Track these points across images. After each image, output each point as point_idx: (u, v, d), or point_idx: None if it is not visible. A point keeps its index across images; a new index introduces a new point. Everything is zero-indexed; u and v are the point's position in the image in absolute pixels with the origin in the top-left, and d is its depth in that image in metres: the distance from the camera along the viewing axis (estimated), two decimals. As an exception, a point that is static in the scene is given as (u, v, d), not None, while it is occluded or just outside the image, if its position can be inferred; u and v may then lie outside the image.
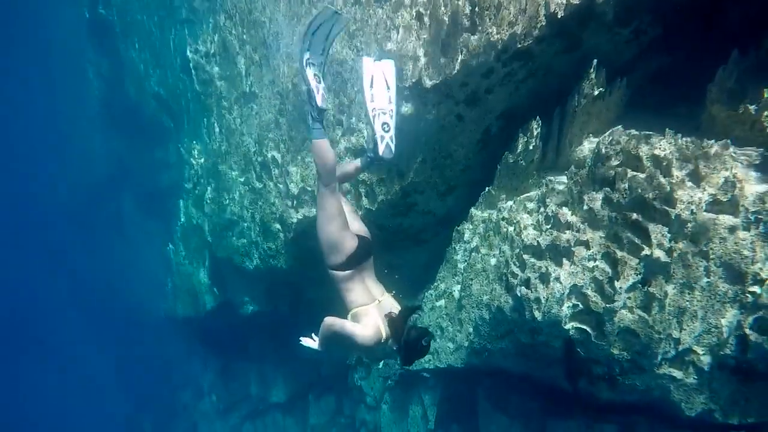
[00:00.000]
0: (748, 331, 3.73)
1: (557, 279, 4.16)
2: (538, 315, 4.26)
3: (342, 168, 3.77)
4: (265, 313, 7.97)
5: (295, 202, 5.85)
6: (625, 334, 4.05)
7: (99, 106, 12.02)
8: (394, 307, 3.50)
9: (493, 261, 4.96)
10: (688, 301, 3.86)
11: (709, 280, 3.77)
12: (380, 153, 3.57)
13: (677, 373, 4.12)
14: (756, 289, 3.61)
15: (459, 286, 5.38)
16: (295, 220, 5.88)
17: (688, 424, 4.72)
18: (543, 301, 4.22)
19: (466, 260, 5.31)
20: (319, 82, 3.59)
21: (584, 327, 4.17)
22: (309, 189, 5.66)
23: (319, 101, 3.47)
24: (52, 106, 16.72)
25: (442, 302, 5.62)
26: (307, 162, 5.57)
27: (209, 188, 7.04)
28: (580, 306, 4.12)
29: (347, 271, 3.47)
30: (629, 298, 3.98)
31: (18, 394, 19.74)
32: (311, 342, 3.72)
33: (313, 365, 8.75)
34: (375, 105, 3.61)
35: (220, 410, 11.03)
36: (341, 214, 3.48)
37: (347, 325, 3.33)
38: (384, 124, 3.59)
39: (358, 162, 3.81)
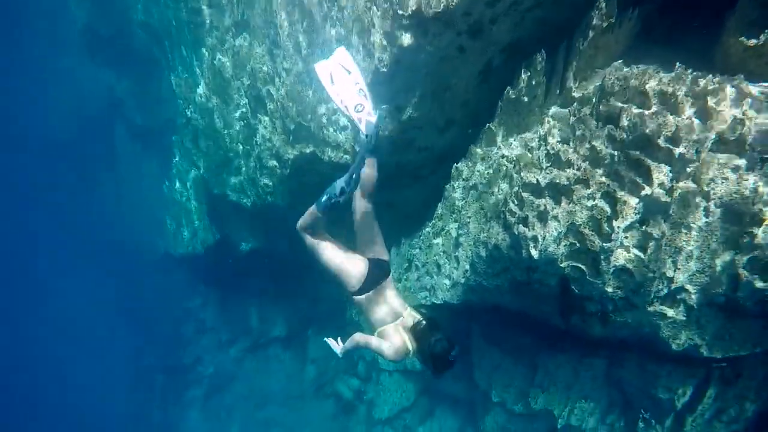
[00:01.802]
0: (741, 270, 3.76)
1: (555, 217, 4.14)
2: (534, 253, 4.28)
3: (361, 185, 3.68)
4: (263, 250, 8.04)
5: (291, 137, 5.71)
6: (620, 273, 4.08)
7: (82, 37, 11.47)
8: (418, 319, 3.51)
9: (491, 199, 4.92)
10: (684, 241, 3.86)
11: (707, 220, 3.75)
12: (363, 131, 3.51)
13: (668, 311, 4.21)
14: (754, 229, 3.61)
15: (457, 224, 5.38)
16: (291, 156, 5.78)
17: (674, 359, 4.90)
18: (540, 239, 4.22)
19: (464, 198, 5.27)
20: (361, 109, 3.54)
21: (580, 265, 4.20)
22: (305, 124, 5.51)
23: (363, 130, 3.50)
24: (33, 38, 15.94)
25: (439, 240, 5.64)
26: (303, 96, 5.38)
27: (203, 123, 6.86)
28: (577, 245, 4.13)
29: (367, 294, 3.54)
30: (626, 237, 3.98)
31: (19, 334, 20.27)
32: (335, 345, 3.88)
33: (312, 302, 8.96)
34: (342, 98, 3.56)
35: (222, 344, 11.43)
36: (337, 247, 3.63)
37: (373, 342, 3.47)
38: (357, 105, 3.53)
39: (364, 167, 3.63)
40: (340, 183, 3.42)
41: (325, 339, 3.94)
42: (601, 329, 4.73)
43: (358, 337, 3.56)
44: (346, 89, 3.58)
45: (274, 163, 6.24)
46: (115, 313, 16.30)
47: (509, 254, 4.59)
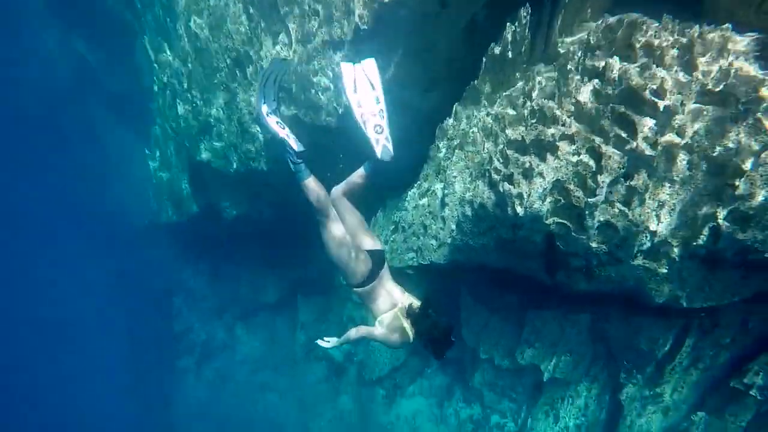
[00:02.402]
0: (721, 221, 3.81)
1: (540, 174, 4.13)
2: (520, 210, 4.28)
3: (349, 182, 3.82)
4: (249, 217, 7.96)
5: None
6: (604, 228, 4.12)
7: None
8: (415, 305, 3.57)
9: (476, 158, 4.89)
10: (668, 194, 3.90)
11: (690, 173, 3.78)
12: (378, 156, 3.54)
13: (651, 264, 4.28)
14: (735, 181, 3.64)
15: (442, 184, 5.36)
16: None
17: (656, 311, 5.02)
18: (525, 196, 4.23)
19: (449, 157, 5.23)
20: (283, 128, 3.85)
21: (565, 221, 4.22)
22: (285, 85, 5.37)
23: (294, 146, 3.70)
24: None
25: (425, 200, 5.62)
26: (283, 56, 5.22)
27: (180, 89, 6.63)
28: (562, 201, 4.14)
29: (367, 286, 3.66)
30: (611, 192, 3.99)
31: (8, 314, 20.07)
32: (325, 343, 3.90)
33: (300, 267, 8.98)
34: (363, 110, 3.58)
35: (213, 312, 11.48)
36: (347, 238, 3.69)
37: (376, 333, 3.60)
38: (376, 126, 3.56)
39: (362, 170, 3.78)
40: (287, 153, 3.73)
41: (317, 341, 3.95)
42: (586, 284, 4.81)
43: (363, 331, 3.67)
44: (368, 103, 3.61)
45: (256, 127, 6.10)
46: (105, 285, 16.21)
47: (495, 212, 4.60)
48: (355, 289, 3.73)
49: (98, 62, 11.11)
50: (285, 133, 3.84)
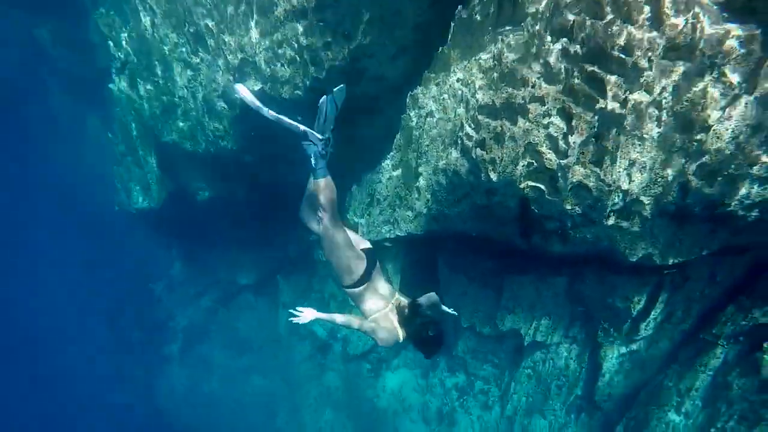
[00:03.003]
0: (690, 177, 3.87)
1: (512, 138, 4.10)
2: (493, 176, 4.26)
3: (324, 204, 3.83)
4: (223, 199, 7.80)
5: (236, 74, 5.39)
6: (577, 189, 4.14)
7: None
8: (405, 305, 3.66)
9: (448, 125, 4.83)
10: (638, 152, 3.91)
11: (659, 130, 3.79)
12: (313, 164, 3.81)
13: (624, 223, 4.33)
14: (702, 136, 3.67)
15: (415, 153, 5.30)
16: (239, 95, 5.47)
17: (630, 269, 5.12)
18: (498, 161, 4.20)
19: (421, 126, 5.16)
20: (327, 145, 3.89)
21: (538, 185, 4.23)
22: (250, 59, 5.19)
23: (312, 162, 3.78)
24: None
25: (399, 171, 5.57)
26: (245, 28, 5.03)
27: (140, 67, 6.35)
28: (535, 164, 4.13)
29: (361, 287, 3.69)
30: (582, 153, 3.99)
31: None
32: (301, 317, 3.76)
33: (279, 247, 8.87)
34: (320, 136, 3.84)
35: (193, 297, 11.33)
36: (349, 241, 3.70)
37: (365, 326, 3.64)
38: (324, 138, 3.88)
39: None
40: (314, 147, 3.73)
41: (290, 319, 3.85)
42: (561, 247, 4.86)
43: (355, 324, 3.67)
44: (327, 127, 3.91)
45: (222, 105, 5.91)
46: (82, 276, 15.86)
47: (468, 179, 4.57)
48: (348, 289, 3.74)
49: (49, 42, 10.52)
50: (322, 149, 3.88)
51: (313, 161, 3.75)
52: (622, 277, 5.37)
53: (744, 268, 5.12)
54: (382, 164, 5.80)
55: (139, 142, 7.24)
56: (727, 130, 3.55)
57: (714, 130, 3.58)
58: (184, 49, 5.79)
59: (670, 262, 4.58)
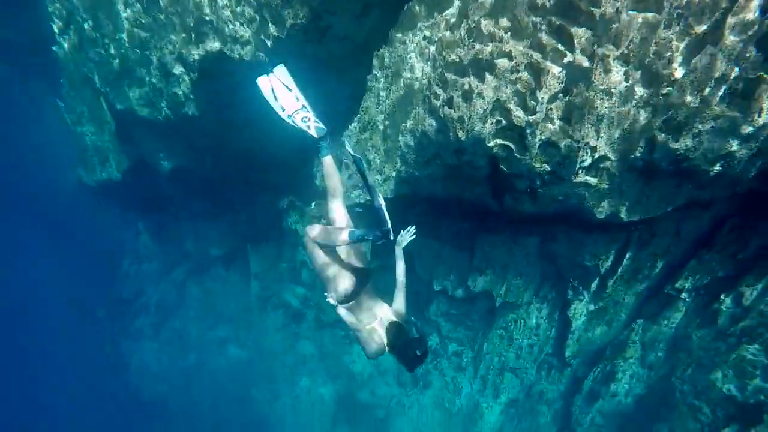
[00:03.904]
0: (656, 132, 3.88)
1: (480, 95, 4.02)
2: (461, 135, 4.19)
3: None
4: (187, 169, 7.51)
5: (193, 35, 5.10)
6: (546, 147, 4.11)
7: None
8: (392, 319, 3.68)
9: (415, 84, 4.72)
10: (606, 107, 3.89)
11: (627, 84, 3.76)
12: (315, 135, 3.89)
13: (592, 180, 4.34)
14: (668, 89, 3.66)
15: (383, 115, 5.17)
16: (197, 57, 5.21)
17: (598, 227, 5.18)
18: (466, 119, 4.12)
19: (388, 87, 5.02)
20: (307, 121, 3.94)
21: (507, 143, 4.18)
22: (207, 18, 4.91)
23: (314, 134, 3.88)
24: None
25: (367, 134, 5.43)
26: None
27: (87, 27, 5.92)
28: (503, 122, 4.07)
29: (349, 303, 3.69)
30: (551, 109, 3.95)
31: None
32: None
33: (247, 217, 8.67)
34: (288, 111, 3.96)
35: (162, 271, 11.07)
36: (332, 257, 3.70)
37: (359, 335, 3.65)
38: (303, 118, 3.95)
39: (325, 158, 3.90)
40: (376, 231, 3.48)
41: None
42: (531, 206, 4.87)
43: (354, 324, 3.68)
44: (289, 103, 3.97)
45: (180, 68, 5.62)
46: (48, 255, 15.32)
47: (437, 139, 4.49)
48: (338, 305, 3.73)
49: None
50: (306, 125, 3.95)
51: (359, 234, 3.64)
52: (592, 235, 5.45)
53: (707, 224, 5.24)
54: (350, 127, 5.65)
55: (94, 110, 6.85)
56: (692, 83, 3.54)
57: (679, 83, 3.57)
58: (136, 8, 5.44)
59: (637, 218, 4.64)
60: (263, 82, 4.03)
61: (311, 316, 8.80)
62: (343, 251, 3.78)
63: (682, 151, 3.88)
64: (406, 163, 5.04)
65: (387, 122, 5.08)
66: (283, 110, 3.97)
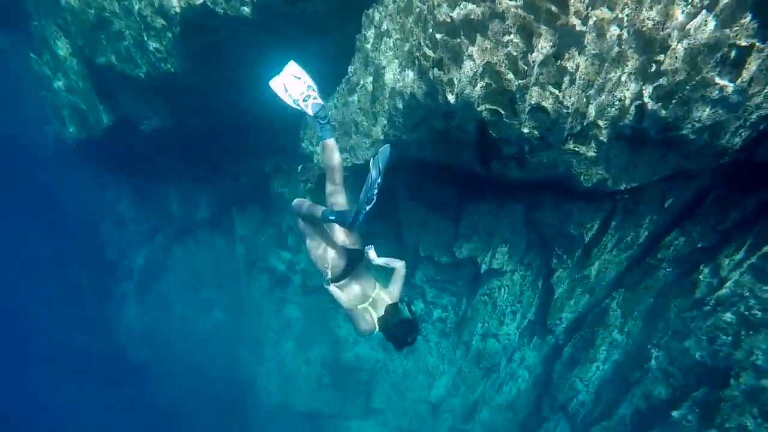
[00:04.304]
0: (647, 99, 3.84)
1: (470, 57, 3.92)
2: (451, 98, 4.11)
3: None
4: (170, 129, 7.32)
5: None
6: (535, 112, 4.05)
7: None
8: (385, 300, 3.81)
9: (405, 45, 4.58)
10: (597, 74, 3.83)
11: (620, 50, 3.69)
12: (310, 113, 3.69)
13: (581, 148, 4.32)
14: (661, 57, 3.61)
15: (371, 77, 5.04)
16: (178, 10, 4.99)
17: (585, 195, 5.19)
18: (456, 82, 4.03)
19: (377, 47, 4.87)
20: (306, 100, 3.73)
21: (496, 107, 4.11)
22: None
23: (310, 112, 3.69)
24: None
25: (355, 96, 5.31)
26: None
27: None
28: (493, 85, 3.99)
29: (341, 282, 3.76)
30: (542, 73, 3.87)
31: None
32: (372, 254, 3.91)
33: (232, 179, 8.55)
34: (296, 96, 3.75)
35: (146, 234, 10.94)
36: (325, 237, 3.75)
37: (350, 313, 3.75)
38: (305, 96, 3.74)
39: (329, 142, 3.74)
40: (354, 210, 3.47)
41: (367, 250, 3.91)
42: (519, 172, 4.84)
43: (345, 302, 3.77)
44: (297, 88, 3.77)
45: (161, 21, 5.39)
46: (28, 218, 14.96)
47: (426, 102, 4.40)
48: (330, 285, 3.78)
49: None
50: (303, 104, 3.77)
51: (318, 126, 3.73)
52: (578, 203, 5.46)
53: (691, 195, 5.29)
54: (337, 89, 5.52)
55: (70, 64, 6.57)
56: (685, 49, 3.49)
57: (673, 49, 3.51)
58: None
59: (623, 187, 4.65)
60: (275, 84, 3.85)
61: (297, 281, 8.82)
62: (337, 232, 3.83)
63: (671, 120, 3.86)
64: (395, 127, 4.95)
65: (375, 84, 4.96)
66: (295, 101, 3.78)
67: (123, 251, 11.55)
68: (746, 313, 5.51)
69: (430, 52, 4.13)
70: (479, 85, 4.00)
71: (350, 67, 5.29)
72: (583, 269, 6.21)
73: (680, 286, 5.90)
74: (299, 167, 6.74)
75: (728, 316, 5.62)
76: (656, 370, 6.38)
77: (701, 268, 5.63)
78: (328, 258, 3.74)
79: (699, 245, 5.60)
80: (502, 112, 4.09)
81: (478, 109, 4.10)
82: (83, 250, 12.42)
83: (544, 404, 7.88)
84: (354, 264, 3.79)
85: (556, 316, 6.86)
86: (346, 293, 3.81)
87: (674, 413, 6.24)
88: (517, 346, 7.71)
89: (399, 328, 3.64)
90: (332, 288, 3.77)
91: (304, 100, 3.73)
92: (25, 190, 13.60)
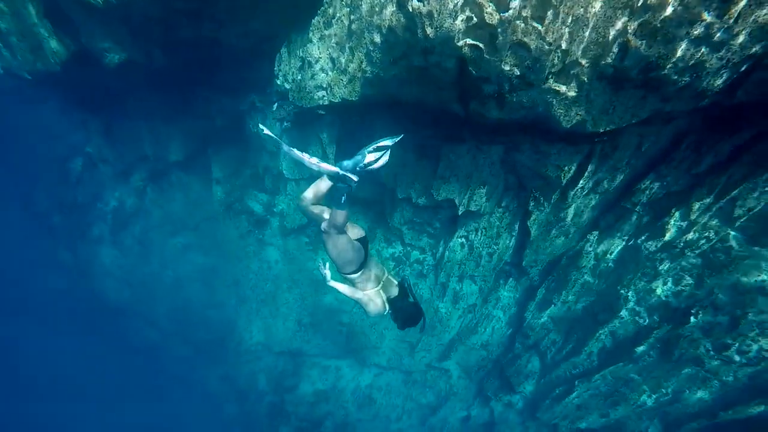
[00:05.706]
0: (630, 36, 3.73)
1: (452, -13, 3.71)
2: (430, 32, 3.93)
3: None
4: (137, 63, 6.88)
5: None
6: (516, 48, 3.92)
7: None
8: (393, 285, 4.48)
9: (384, -27, 4.31)
10: (582, 8, 3.68)
11: (607, -18, 3.54)
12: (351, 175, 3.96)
13: (561, 87, 4.23)
14: (649, -9, 3.47)
15: (348, 9, 4.77)
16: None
17: (563, 137, 5.15)
18: (435, 15, 3.84)
19: (354, -25, 4.59)
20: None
21: (477, 43, 3.95)
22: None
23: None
24: None
25: (331, 30, 5.05)
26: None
27: None
28: (474, 19, 3.82)
29: (359, 272, 4.28)
30: (524, 7, 3.70)
31: None
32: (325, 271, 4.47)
33: (207, 119, 8.21)
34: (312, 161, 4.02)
35: (118, 176, 10.58)
36: (349, 240, 4.11)
37: (362, 298, 4.32)
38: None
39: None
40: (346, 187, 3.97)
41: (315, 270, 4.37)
42: (498, 112, 4.75)
43: (357, 295, 4.32)
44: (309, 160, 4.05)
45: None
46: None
47: (405, 36, 4.21)
48: (350, 276, 4.28)
49: None
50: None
51: (343, 200, 3.96)
52: (556, 145, 5.42)
53: (668, 139, 5.29)
54: (313, 21, 5.22)
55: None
56: (673, -19, 3.35)
57: (661, -18, 3.37)
58: None
59: (603, 129, 4.61)
60: (293, 151, 4.08)
61: (275, 223, 8.75)
62: (349, 230, 4.19)
63: (653, 59, 3.78)
64: (372, 63, 4.75)
65: (352, 17, 4.70)
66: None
67: (95, 194, 11.19)
68: (711, 255, 5.70)
69: (409, -19, 3.90)
70: (460, 18, 3.82)
71: (326, -2, 4.99)
72: (559, 212, 6.27)
73: (651, 230, 6.03)
74: (274, 105, 6.49)
75: (693, 257, 5.80)
76: (624, 309, 6.63)
77: (672, 211, 5.73)
78: (352, 257, 4.17)
79: (672, 189, 5.68)
80: (483, 47, 3.94)
81: (458, 44, 3.94)
82: (53, 192, 12.02)
83: (516, 342, 8.20)
84: (366, 255, 4.25)
85: (532, 259, 6.99)
86: (363, 280, 4.32)
87: (638, 349, 6.58)
88: (493, 287, 7.90)
89: (406, 311, 4.24)
90: (333, 283, 4.36)
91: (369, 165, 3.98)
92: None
